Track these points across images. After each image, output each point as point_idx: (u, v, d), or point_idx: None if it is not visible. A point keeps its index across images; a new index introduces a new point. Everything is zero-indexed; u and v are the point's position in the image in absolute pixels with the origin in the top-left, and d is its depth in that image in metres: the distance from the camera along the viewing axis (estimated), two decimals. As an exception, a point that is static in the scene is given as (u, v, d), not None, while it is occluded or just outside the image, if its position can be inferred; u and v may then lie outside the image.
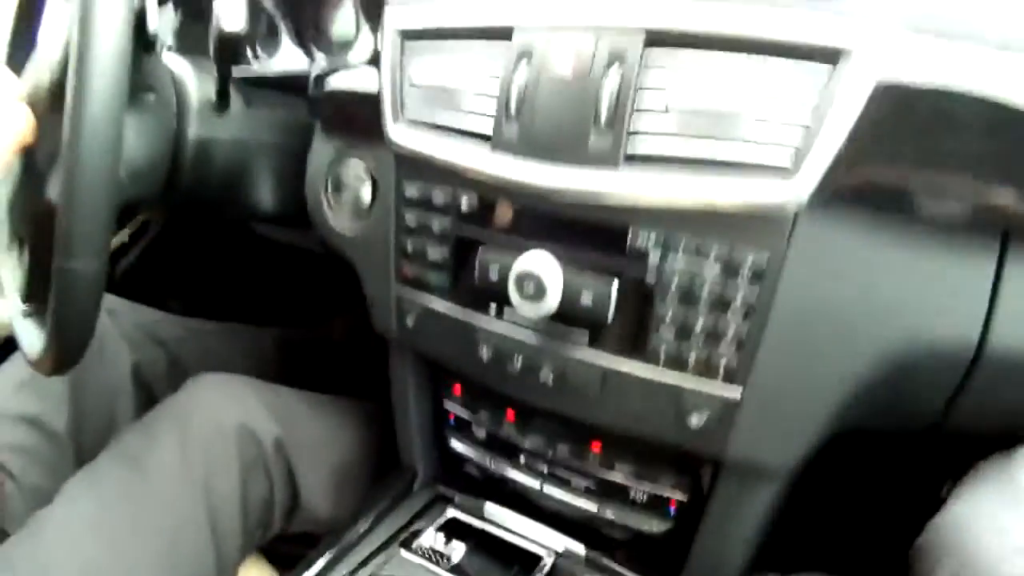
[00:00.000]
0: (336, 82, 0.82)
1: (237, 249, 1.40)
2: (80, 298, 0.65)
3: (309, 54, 1.08)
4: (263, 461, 0.89)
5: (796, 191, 0.49)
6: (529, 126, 0.58)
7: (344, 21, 1.05)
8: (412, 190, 0.70)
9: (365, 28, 1.02)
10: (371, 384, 1.00)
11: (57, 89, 0.66)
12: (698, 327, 0.55)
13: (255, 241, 1.28)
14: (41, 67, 0.69)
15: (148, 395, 1.07)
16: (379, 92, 0.71)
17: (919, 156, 0.48)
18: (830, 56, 0.48)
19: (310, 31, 1.08)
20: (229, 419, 0.88)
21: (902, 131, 0.48)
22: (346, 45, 1.05)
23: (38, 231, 0.73)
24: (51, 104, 0.67)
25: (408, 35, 0.69)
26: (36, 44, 0.83)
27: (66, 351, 0.69)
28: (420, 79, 0.68)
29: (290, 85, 0.93)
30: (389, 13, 0.71)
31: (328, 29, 1.07)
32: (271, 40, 1.09)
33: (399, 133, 0.68)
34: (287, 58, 1.09)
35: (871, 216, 0.50)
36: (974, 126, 0.46)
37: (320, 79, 0.84)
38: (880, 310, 0.51)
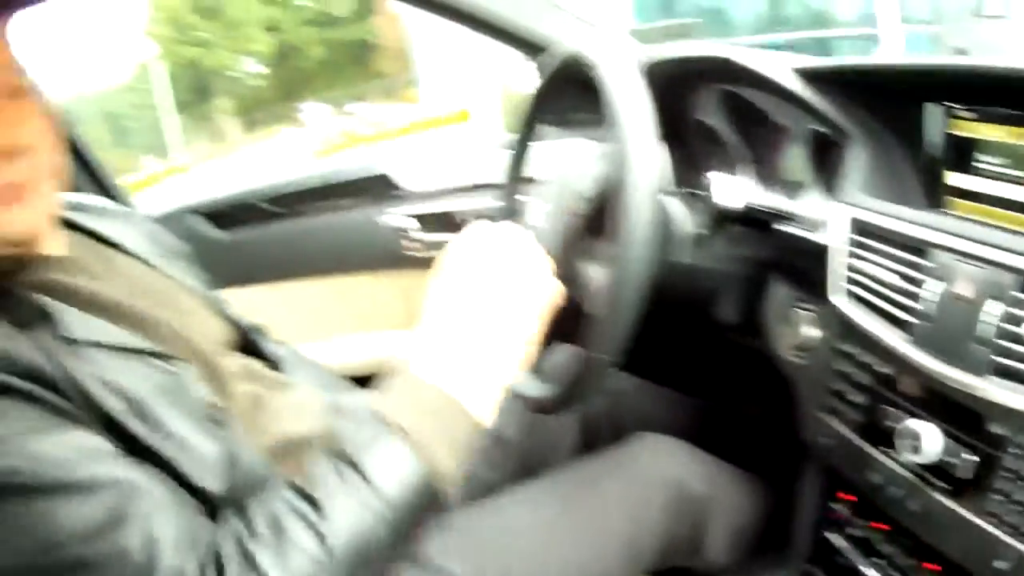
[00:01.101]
0: (795, 233, 0.97)
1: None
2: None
3: (762, 186, 1.15)
4: (683, 510, 1.03)
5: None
6: (934, 330, 0.76)
7: (795, 163, 1.13)
8: (846, 346, 0.91)
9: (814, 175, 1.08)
10: (772, 461, 1.16)
11: (580, 225, 0.85)
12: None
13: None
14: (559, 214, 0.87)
15: (588, 435, 1.24)
16: (828, 263, 0.88)
17: None
18: None
19: (763, 167, 1.17)
20: (666, 473, 1.05)
21: None
22: (796, 186, 1.10)
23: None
24: (567, 238, 0.84)
25: (859, 230, 0.87)
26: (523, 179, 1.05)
27: (570, 405, 0.85)
28: (862, 266, 0.85)
29: (748, 219, 1.04)
30: (844, 209, 0.88)
31: (779, 168, 1.16)
32: (727, 166, 1.18)
33: (843, 304, 0.87)
34: (741, 187, 1.15)
35: None
36: None
37: (780, 230, 0.98)
38: None
